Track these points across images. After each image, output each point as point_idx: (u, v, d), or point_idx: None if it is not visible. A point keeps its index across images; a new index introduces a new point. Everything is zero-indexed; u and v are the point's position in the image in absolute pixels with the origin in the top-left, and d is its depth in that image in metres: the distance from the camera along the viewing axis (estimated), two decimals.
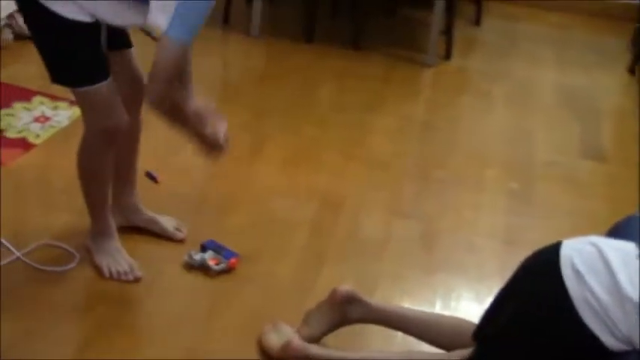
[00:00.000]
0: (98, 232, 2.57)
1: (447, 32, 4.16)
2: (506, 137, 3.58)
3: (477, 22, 4.62)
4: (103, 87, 2.30)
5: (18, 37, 3.80)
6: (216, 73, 4.01)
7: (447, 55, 4.18)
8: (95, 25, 2.24)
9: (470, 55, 4.35)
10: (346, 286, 2.31)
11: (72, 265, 2.52)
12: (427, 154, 3.40)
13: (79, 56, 2.29)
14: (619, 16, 4.71)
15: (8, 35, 3.77)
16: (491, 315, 1.98)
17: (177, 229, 2.73)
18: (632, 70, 4.21)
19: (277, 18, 4.50)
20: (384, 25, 4.48)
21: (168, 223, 2.73)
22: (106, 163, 2.46)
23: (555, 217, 3.04)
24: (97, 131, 2.38)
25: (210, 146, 2.30)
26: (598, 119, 3.81)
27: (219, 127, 2.30)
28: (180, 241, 2.69)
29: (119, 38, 2.43)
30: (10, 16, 3.80)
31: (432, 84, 4.05)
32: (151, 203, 2.72)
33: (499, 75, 4.13)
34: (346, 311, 2.29)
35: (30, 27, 2.33)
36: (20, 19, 3.81)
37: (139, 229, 2.69)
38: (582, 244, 1.83)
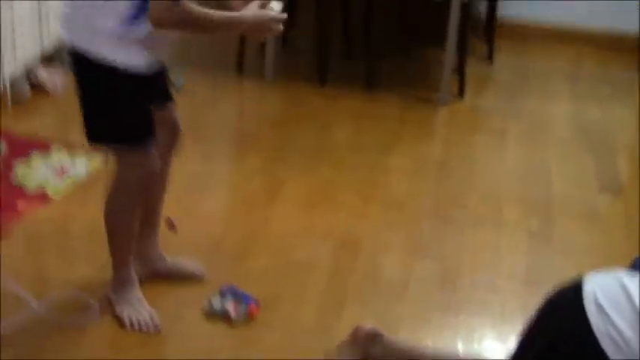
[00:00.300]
0: (120, 281, 2.57)
1: (460, 70, 4.18)
2: (522, 174, 3.58)
3: (490, 59, 4.64)
4: (149, 144, 2.34)
5: (35, 89, 3.85)
6: (233, 119, 4.04)
7: (461, 93, 4.20)
8: (145, 78, 2.29)
9: (483, 92, 4.36)
10: (368, 324, 2.30)
11: (92, 316, 2.53)
12: (444, 194, 3.40)
13: (131, 112, 2.33)
14: (630, 49, 4.71)
15: (25, 88, 3.81)
16: (518, 354, 1.97)
17: (198, 269, 2.74)
18: None
19: (291, 62, 4.53)
20: (398, 65, 4.50)
21: (188, 264, 2.74)
22: (135, 211, 2.49)
23: (575, 253, 3.02)
24: (129, 181, 2.41)
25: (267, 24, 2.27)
26: (613, 152, 3.80)
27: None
28: (200, 285, 2.69)
29: (162, 92, 2.48)
30: (29, 69, 3.85)
31: (446, 123, 4.06)
32: (168, 248, 2.74)
33: (513, 111, 4.14)
34: (369, 350, 2.28)
35: (80, 83, 2.35)
36: (40, 72, 3.87)
37: (159, 274, 2.70)
38: (604, 279, 1.82)
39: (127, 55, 2.26)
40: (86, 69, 2.30)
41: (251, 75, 4.28)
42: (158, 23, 2.19)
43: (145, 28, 2.22)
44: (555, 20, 4.90)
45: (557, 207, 3.33)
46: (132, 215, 2.49)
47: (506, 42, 4.80)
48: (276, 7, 2.30)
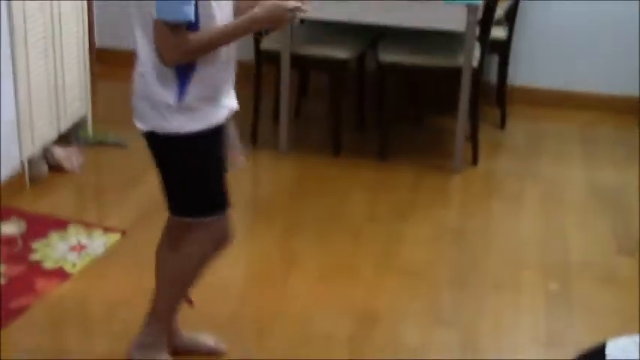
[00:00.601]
0: (152, 337, 2.57)
1: (473, 137, 4.20)
2: (539, 238, 3.57)
3: (502, 125, 4.66)
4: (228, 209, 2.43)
5: (52, 169, 3.90)
6: (248, 191, 4.06)
7: (474, 161, 4.22)
8: (219, 138, 2.40)
9: (497, 158, 4.38)
10: None
11: None
12: (462, 261, 3.39)
13: (214, 182, 2.42)
14: None
15: (43, 167, 3.86)
16: None
17: (218, 344, 2.72)
18: None
19: (304, 133, 4.57)
20: (410, 134, 4.53)
21: (208, 339, 2.73)
22: (200, 269, 2.52)
23: (596, 317, 3.00)
24: (206, 244, 2.47)
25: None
26: (629, 214, 3.79)
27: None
28: (222, 355, 2.67)
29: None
30: (46, 148, 3.90)
31: (461, 190, 4.07)
32: (186, 323, 2.73)
33: (527, 176, 4.15)
34: None
35: (161, 161, 2.41)
36: (57, 152, 3.91)
37: (178, 351, 2.68)
38: (627, 344, 1.80)
39: (199, 118, 2.33)
40: (166, 147, 2.37)
41: (265, 146, 4.32)
42: (176, 62, 2.26)
43: (200, 85, 2.30)
44: (566, 85, 4.93)
45: (576, 270, 3.31)
46: (196, 276, 2.53)
47: (517, 107, 4.83)
48: None
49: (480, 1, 3.90)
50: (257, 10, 2.30)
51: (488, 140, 4.46)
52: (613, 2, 4.72)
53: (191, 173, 2.39)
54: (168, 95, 2.30)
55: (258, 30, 2.44)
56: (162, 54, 2.24)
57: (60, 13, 3.87)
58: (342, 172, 4.12)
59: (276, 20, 2.33)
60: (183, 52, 2.23)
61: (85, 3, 4.11)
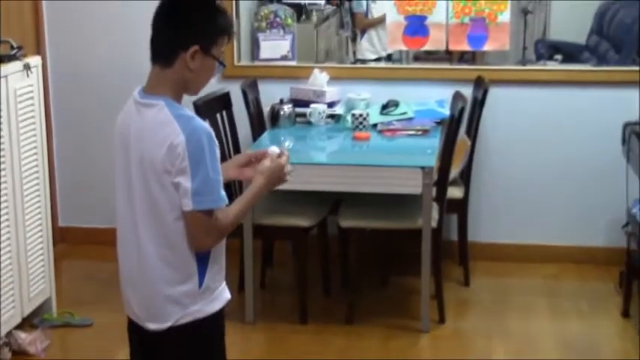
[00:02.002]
0: None
1: (438, 296, 4.22)
2: None
3: (466, 282, 4.70)
4: None
5: (16, 354, 3.83)
6: None
7: (441, 319, 4.22)
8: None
9: (464, 315, 4.39)
10: None
11: None
12: None
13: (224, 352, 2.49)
14: (604, 262, 4.81)
15: (6, 355, 3.79)
16: None
17: None
18: (625, 314, 4.25)
19: (271, 302, 4.56)
20: (376, 296, 4.54)
21: None
22: None
23: None
24: None
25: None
26: None
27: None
28: None
29: None
30: (9, 333, 3.84)
31: (430, 350, 4.05)
32: None
33: (496, 332, 4.15)
34: None
35: (185, 348, 2.40)
36: (20, 336, 3.85)
37: None
38: None
39: (216, 298, 2.40)
40: (187, 336, 2.37)
41: (231, 317, 4.26)
42: (214, 245, 2.34)
43: (213, 266, 2.38)
44: (528, 240, 5.01)
45: None
46: None
47: (480, 264, 4.88)
48: (275, 151, 2.50)
49: (433, 165, 4.00)
50: (259, 178, 2.44)
51: (454, 298, 4.48)
52: (564, 151, 4.89)
53: (214, 351, 2.46)
54: (191, 285, 2.33)
55: (263, 195, 2.53)
56: (200, 242, 2.30)
57: (22, 196, 3.91)
58: (311, 339, 4.09)
59: (277, 182, 2.48)
60: (221, 232, 2.33)
61: (47, 183, 4.16)
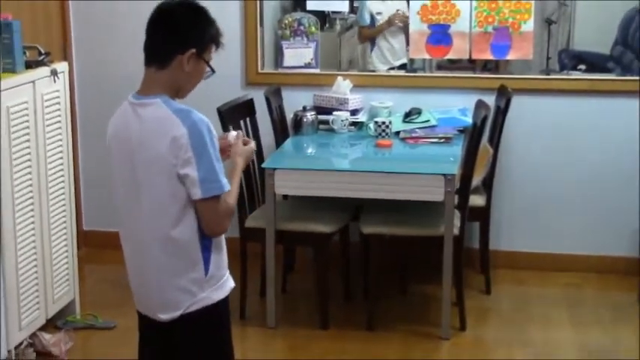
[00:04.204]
0: None
1: (459, 304, 4.23)
2: None
3: (487, 290, 4.70)
4: None
5: (40, 355, 3.87)
6: None
7: (462, 327, 4.23)
8: None
9: (484, 323, 4.39)
10: None
11: None
12: None
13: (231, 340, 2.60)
14: (626, 271, 4.80)
15: (31, 355, 3.84)
16: None
17: None
18: None
19: (292, 307, 4.58)
20: (397, 303, 4.55)
21: None
22: None
23: None
24: None
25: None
26: None
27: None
28: None
29: None
30: (33, 335, 3.89)
31: (451, 357, 4.06)
32: None
33: (516, 341, 4.15)
34: None
35: (202, 338, 2.50)
36: (44, 338, 3.90)
37: None
38: None
39: (221, 286, 2.51)
40: (196, 323, 2.47)
41: (253, 322, 4.32)
42: (227, 229, 2.46)
43: (216, 254, 2.48)
44: (549, 249, 5.00)
45: None
46: None
47: (502, 272, 4.88)
48: (232, 134, 2.70)
49: (455, 172, 4.02)
50: (239, 160, 2.61)
51: (475, 306, 4.48)
52: (587, 160, 4.88)
53: (223, 338, 2.56)
54: (197, 273, 2.44)
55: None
56: (216, 227, 2.43)
57: (48, 200, 3.96)
58: (331, 345, 4.11)
59: (248, 160, 2.71)
60: (230, 214, 2.44)
61: (72, 187, 4.21)
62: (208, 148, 2.36)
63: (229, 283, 2.56)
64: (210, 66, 2.50)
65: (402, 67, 5.35)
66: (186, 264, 2.43)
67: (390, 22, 5.32)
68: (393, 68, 5.37)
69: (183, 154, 2.33)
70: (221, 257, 2.51)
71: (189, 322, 2.46)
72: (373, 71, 5.31)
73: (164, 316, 2.47)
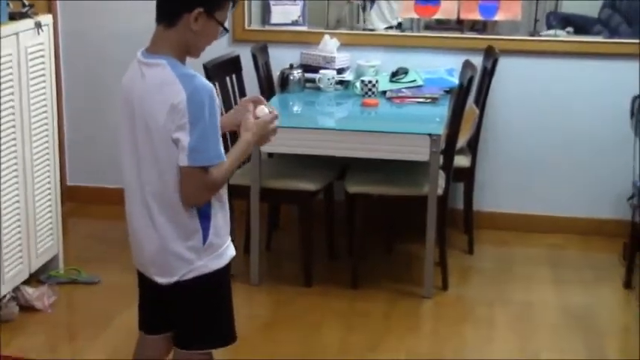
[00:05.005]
0: None
1: (442, 263, 4.26)
2: None
3: (470, 250, 4.73)
4: None
5: (23, 309, 3.88)
6: None
7: (444, 286, 4.26)
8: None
9: (467, 283, 4.42)
10: None
11: None
12: None
13: (231, 312, 2.57)
14: (609, 234, 4.82)
15: (13, 309, 3.84)
16: None
17: None
18: (627, 285, 4.28)
19: (276, 265, 4.60)
20: (381, 261, 4.58)
21: None
22: None
23: None
24: None
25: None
26: (601, 338, 3.82)
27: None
28: None
29: None
30: (16, 289, 3.89)
31: (433, 316, 4.09)
32: None
33: (498, 300, 4.18)
34: None
35: (191, 302, 2.48)
36: (27, 292, 3.90)
37: None
38: None
39: (221, 255, 2.47)
40: (194, 290, 2.44)
41: (237, 279, 4.28)
42: (206, 201, 2.39)
43: (216, 222, 2.43)
44: (533, 210, 5.03)
45: None
46: None
47: (485, 232, 4.91)
48: (264, 111, 2.53)
49: (441, 133, 4.02)
50: (246, 134, 2.45)
51: (458, 266, 4.51)
52: (572, 123, 4.89)
53: (220, 307, 2.52)
54: (195, 241, 2.40)
55: (250, 151, 2.57)
56: (193, 197, 2.35)
57: (32, 154, 3.94)
58: (315, 302, 4.13)
59: (263, 139, 2.52)
60: (213, 189, 2.36)
61: (56, 142, 4.18)
62: (205, 115, 2.27)
63: (229, 252, 2.50)
64: (223, 25, 2.38)
65: (399, 26, 5.33)
66: (184, 232, 2.38)
67: None
68: (391, 27, 5.35)
69: (179, 119, 2.27)
70: (222, 224, 2.46)
71: (184, 289, 2.43)
72: (372, 30, 5.27)
73: (160, 280, 2.44)
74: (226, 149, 2.40)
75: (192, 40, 2.36)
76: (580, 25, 5.63)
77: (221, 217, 2.46)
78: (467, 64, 4.42)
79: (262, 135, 2.50)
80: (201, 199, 2.37)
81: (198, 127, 2.27)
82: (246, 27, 5.00)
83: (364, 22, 5.48)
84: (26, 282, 3.98)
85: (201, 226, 2.40)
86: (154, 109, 2.30)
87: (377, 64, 4.80)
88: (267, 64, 4.81)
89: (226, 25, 2.41)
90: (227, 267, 2.50)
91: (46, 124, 4.05)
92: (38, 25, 3.92)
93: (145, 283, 2.55)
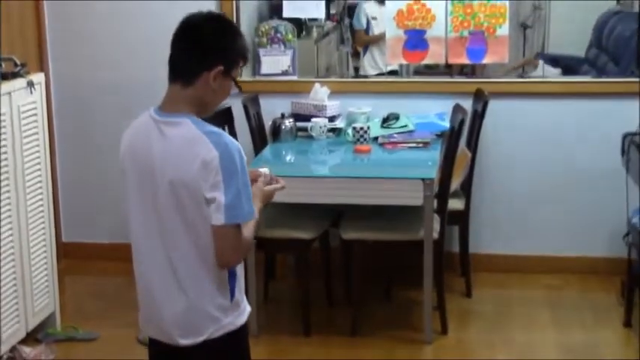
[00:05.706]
0: None
1: (440, 307, 4.24)
2: None
3: (468, 293, 4.72)
4: None
5: None
6: None
7: (444, 330, 4.24)
8: None
9: (466, 326, 4.40)
10: None
11: None
12: None
13: None
14: (606, 272, 4.81)
15: None
16: None
17: None
18: (627, 324, 4.26)
19: (274, 315, 4.57)
20: (379, 308, 4.56)
21: None
22: None
23: None
24: None
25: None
26: None
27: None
28: None
29: None
30: (13, 348, 3.86)
31: None
32: None
33: (499, 343, 4.16)
34: None
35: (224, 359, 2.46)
36: (24, 351, 3.87)
37: None
38: None
39: (242, 310, 2.46)
40: (219, 349, 2.40)
41: None
42: (240, 261, 2.41)
43: (239, 279, 2.43)
44: (528, 251, 5.03)
45: None
46: None
47: (482, 275, 4.89)
48: (266, 171, 2.62)
49: (434, 177, 4.03)
50: (255, 200, 2.45)
51: (457, 309, 4.50)
52: (564, 162, 4.92)
53: None
54: (224, 298, 2.39)
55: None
56: (227, 256, 2.33)
57: (27, 212, 3.94)
58: (315, 352, 4.10)
59: (268, 200, 2.59)
60: (247, 248, 2.36)
61: (51, 199, 4.19)
62: (238, 172, 2.27)
63: (248, 307, 2.49)
64: (237, 83, 2.41)
65: (392, 73, 5.38)
66: (217, 289, 2.36)
67: None
68: (382, 74, 5.39)
69: (213, 178, 2.25)
70: (241, 281, 2.45)
71: (211, 349, 2.39)
72: (365, 76, 5.32)
73: (185, 342, 2.38)
74: None
75: (209, 97, 2.37)
76: (568, 65, 5.70)
77: (241, 274, 2.45)
78: (457, 108, 4.45)
79: (268, 197, 2.56)
80: (234, 259, 2.36)
81: (232, 185, 2.26)
82: (237, 78, 5.03)
83: (356, 69, 5.54)
84: (23, 341, 3.96)
85: (230, 280, 2.39)
86: (182, 167, 2.28)
87: (368, 110, 4.83)
88: (258, 115, 4.83)
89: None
90: (247, 322, 2.48)
91: (40, 181, 4.06)
92: (30, 84, 3.94)
93: (159, 349, 2.46)
